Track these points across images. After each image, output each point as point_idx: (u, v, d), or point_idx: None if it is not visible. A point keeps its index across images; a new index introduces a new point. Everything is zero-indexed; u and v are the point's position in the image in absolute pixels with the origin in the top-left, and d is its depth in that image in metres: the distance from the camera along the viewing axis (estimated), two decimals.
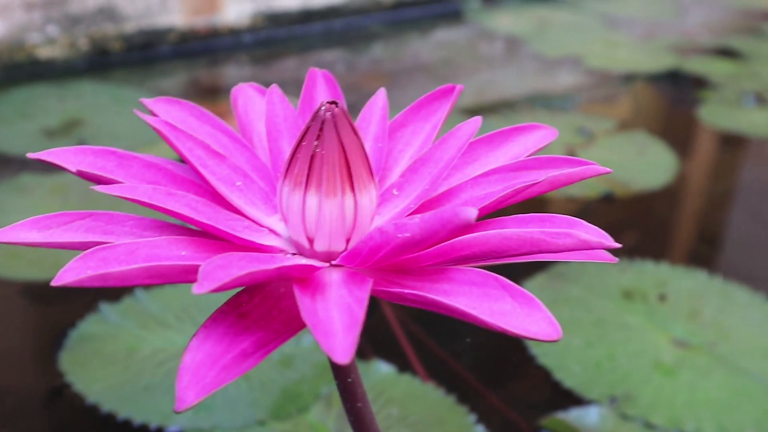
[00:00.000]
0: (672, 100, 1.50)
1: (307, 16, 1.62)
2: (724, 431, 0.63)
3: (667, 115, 1.43)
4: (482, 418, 0.62)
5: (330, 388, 0.63)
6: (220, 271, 0.23)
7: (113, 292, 0.73)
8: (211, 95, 1.33)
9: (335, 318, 0.24)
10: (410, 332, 0.71)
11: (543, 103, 1.35)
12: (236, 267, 0.23)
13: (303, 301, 0.24)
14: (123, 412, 0.61)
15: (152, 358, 0.66)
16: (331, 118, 0.27)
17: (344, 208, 0.27)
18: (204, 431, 0.59)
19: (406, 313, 0.73)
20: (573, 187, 0.97)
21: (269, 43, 1.56)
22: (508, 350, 0.71)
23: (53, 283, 0.23)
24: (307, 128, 0.27)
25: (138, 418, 0.60)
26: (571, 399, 0.65)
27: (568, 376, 0.67)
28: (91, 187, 0.27)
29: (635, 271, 0.82)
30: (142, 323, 0.69)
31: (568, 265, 0.81)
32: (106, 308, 0.70)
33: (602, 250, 0.30)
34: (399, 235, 0.25)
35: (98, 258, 0.24)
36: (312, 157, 0.27)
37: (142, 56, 1.42)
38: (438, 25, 1.79)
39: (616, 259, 0.30)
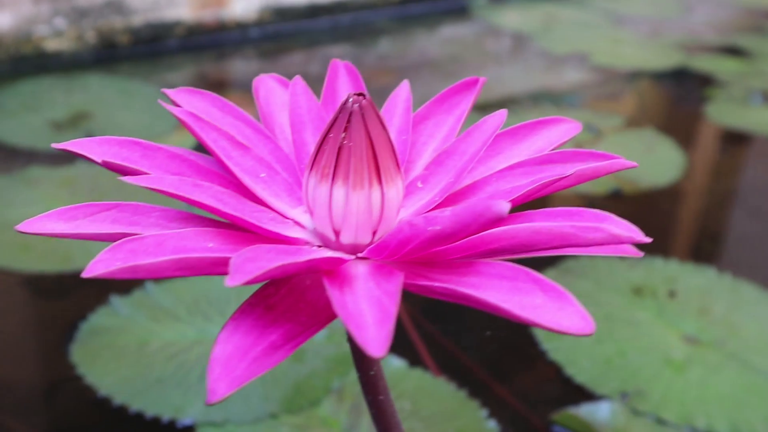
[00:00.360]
0: (679, 98, 1.50)
1: (314, 10, 1.62)
2: (735, 427, 0.63)
3: (674, 113, 1.43)
4: (494, 413, 0.62)
5: (342, 382, 0.63)
6: (250, 264, 0.23)
7: (124, 285, 0.73)
8: (218, 89, 1.33)
9: (365, 311, 0.23)
10: (421, 327, 0.71)
11: (550, 99, 1.35)
12: (265, 259, 0.23)
13: (333, 294, 0.24)
14: (135, 404, 0.61)
15: (163, 351, 0.66)
16: (359, 110, 0.27)
17: (371, 200, 0.27)
18: (216, 424, 0.59)
19: (416, 307, 0.73)
20: (583, 184, 0.97)
21: (276, 38, 1.55)
22: (519, 345, 0.71)
23: (84, 275, 0.23)
24: (334, 120, 0.27)
25: (150, 411, 0.60)
26: (582, 394, 0.65)
27: (579, 371, 0.67)
28: (119, 178, 0.27)
29: (644, 268, 0.82)
30: (153, 316, 0.69)
31: (578, 260, 0.81)
32: (116, 301, 0.70)
33: (627, 245, 0.30)
34: (429, 228, 0.25)
35: (127, 250, 0.24)
36: (339, 149, 0.27)
37: (149, 50, 1.41)
38: (445, 21, 1.79)
39: (641, 254, 0.30)
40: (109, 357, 0.65)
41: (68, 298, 0.77)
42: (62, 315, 0.74)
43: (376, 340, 0.22)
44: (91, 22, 1.35)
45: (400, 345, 0.68)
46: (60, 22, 1.33)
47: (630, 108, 1.40)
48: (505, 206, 0.23)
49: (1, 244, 0.80)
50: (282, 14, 1.57)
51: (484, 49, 1.67)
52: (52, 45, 1.32)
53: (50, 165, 0.96)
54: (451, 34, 1.74)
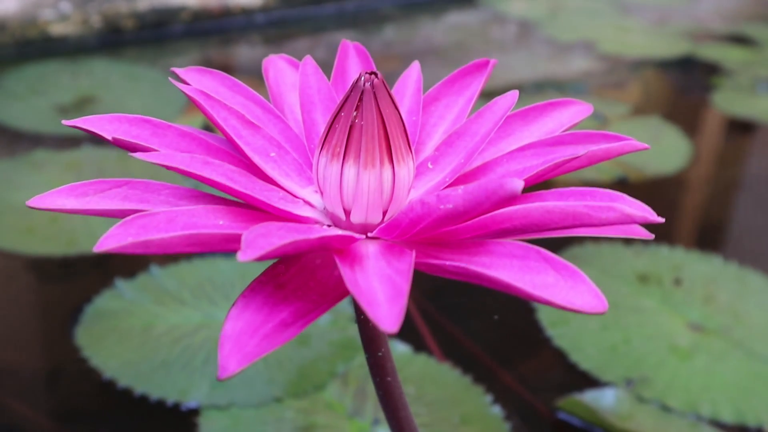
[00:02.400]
0: (685, 87, 1.49)
1: None
2: (741, 415, 0.63)
3: (680, 101, 1.42)
4: (499, 398, 0.62)
5: (346, 366, 0.63)
6: (261, 240, 0.23)
7: (129, 268, 0.73)
8: None
9: (377, 288, 0.23)
10: (425, 312, 0.71)
11: (555, 87, 1.34)
12: (277, 236, 0.23)
13: (344, 271, 0.24)
14: (140, 387, 0.61)
15: (168, 334, 0.66)
16: (371, 88, 0.27)
17: (382, 179, 0.27)
18: (221, 408, 0.59)
19: (421, 292, 0.73)
20: (587, 171, 0.97)
21: (281, 24, 1.55)
22: (524, 331, 0.71)
23: (96, 249, 0.22)
24: (346, 98, 0.27)
25: (154, 394, 0.60)
26: (587, 381, 0.65)
27: (584, 358, 0.67)
28: (130, 154, 0.27)
29: (650, 255, 0.82)
30: (157, 300, 0.69)
31: (583, 247, 0.81)
32: (121, 284, 0.70)
33: (638, 227, 0.30)
34: (441, 207, 0.24)
35: (138, 225, 0.24)
36: (351, 128, 0.27)
37: (154, 35, 1.41)
38: (450, 9, 1.78)
39: (652, 235, 0.30)
40: (114, 340, 0.65)
41: (73, 281, 0.77)
42: (67, 298, 0.74)
43: (388, 316, 0.22)
44: (96, 7, 1.35)
45: (404, 330, 0.68)
46: (65, 6, 1.32)
47: (636, 96, 1.40)
48: (518, 184, 0.23)
49: (5, 227, 0.80)
50: (287, 0, 1.57)
51: (490, 37, 1.66)
52: (58, 29, 1.32)
53: (55, 148, 0.96)
54: (456, 21, 1.74)
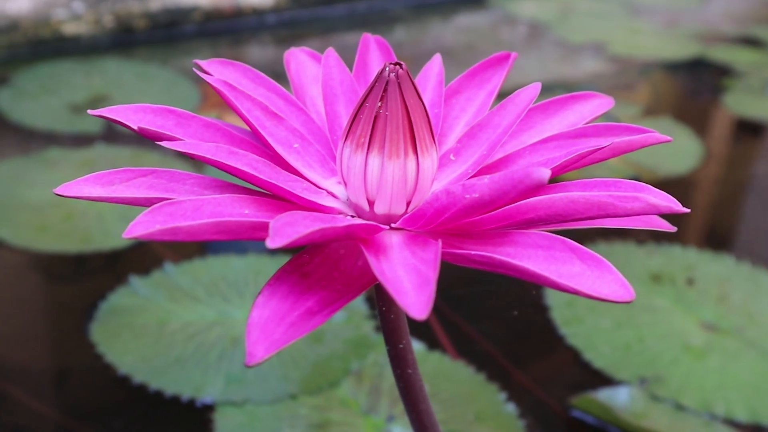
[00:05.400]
0: (696, 88, 1.49)
1: None
2: (755, 414, 0.62)
3: (691, 103, 1.42)
4: (513, 396, 0.62)
5: (361, 363, 0.63)
6: (289, 228, 0.23)
7: (142, 265, 0.73)
8: None
9: (402, 277, 0.23)
10: (439, 310, 0.71)
11: (565, 88, 1.34)
12: (303, 225, 0.23)
13: (371, 261, 0.24)
14: (155, 383, 0.61)
15: (183, 331, 0.66)
16: (396, 79, 0.27)
17: (406, 170, 0.27)
18: (236, 404, 0.59)
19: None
20: (599, 170, 0.97)
21: (293, 24, 1.55)
22: (537, 330, 0.71)
23: (125, 236, 0.23)
24: (371, 89, 0.27)
25: (169, 390, 0.60)
26: (600, 379, 0.65)
27: (598, 356, 0.67)
28: (158, 142, 0.27)
29: (663, 255, 0.82)
30: (171, 296, 0.69)
31: (596, 246, 0.81)
32: (135, 281, 0.70)
33: (661, 219, 0.30)
34: (467, 196, 0.25)
35: (165, 213, 0.24)
36: (375, 118, 0.27)
37: (166, 34, 1.41)
38: (460, 10, 1.78)
39: (674, 228, 0.30)
40: (128, 336, 0.66)
41: (87, 278, 0.77)
42: (81, 295, 0.74)
43: (416, 303, 0.22)
44: (109, 6, 1.35)
45: (418, 328, 0.68)
46: (78, 6, 1.33)
47: (646, 98, 1.40)
48: (545, 172, 0.23)
49: (20, 224, 0.81)
50: (298, 1, 1.57)
51: (500, 38, 1.66)
52: (71, 29, 1.32)
53: (69, 147, 0.96)
54: (466, 22, 1.74)
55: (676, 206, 0.25)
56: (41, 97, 1.12)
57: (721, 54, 1.53)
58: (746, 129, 1.29)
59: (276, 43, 1.50)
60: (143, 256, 0.77)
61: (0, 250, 0.78)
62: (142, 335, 0.66)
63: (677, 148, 1.11)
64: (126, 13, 1.37)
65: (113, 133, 1.00)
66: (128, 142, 0.97)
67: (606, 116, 1.15)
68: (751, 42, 1.64)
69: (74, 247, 0.78)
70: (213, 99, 1.12)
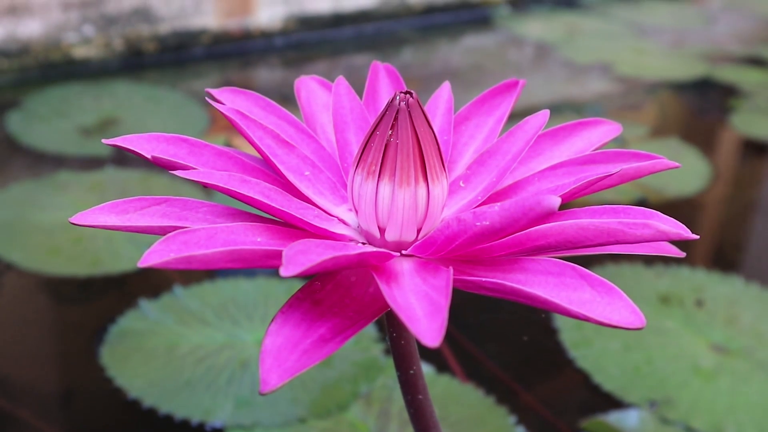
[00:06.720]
0: (703, 108, 1.49)
1: (338, 19, 1.62)
2: None
3: (698, 123, 1.42)
4: (522, 419, 0.62)
5: (370, 387, 0.63)
6: (301, 256, 0.23)
7: (151, 289, 0.73)
8: None
9: (414, 304, 0.24)
10: (447, 333, 0.71)
11: (572, 109, 1.35)
12: (316, 253, 0.24)
13: (383, 288, 0.24)
14: (164, 407, 0.61)
15: (192, 354, 0.66)
16: (406, 107, 0.27)
17: (417, 197, 0.27)
18: (245, 428, 0.59)
19: None
20: (608, 192, 0.97)
21: (301, 46, 1.56)
22: (547, 352, 0.71)
23: (140, 264, 0.23)
24: (381, 117, 0.27)
25: (179, 413, 0.61)
26: (610, 402, 0.65)
27: (607, 379, 0.67)
28: (172, 171, 0.27)
29: (671, 277, 0.82)
30: (181, 320, 0.70)
31: (604, 268, 0.81)
32: (145, 305, 0.71)
33: (670, 244, 0.30)
34: (477, 223, 0.25)
35: (180, 242, 0.24)
36: (386, 146, 0.27)
37: (175, 57, 1.42)
38: (467, 31, 1.79)
39: (683, 254, 0.30)
40: (138, 360, 0.66)
41: (97, 301, 0.77)
42: (91, 318, 0.74)
43: (428, 330, 0.22)
44: (118, 30, 1.37)
45: (426, 351, 0.68)
46: (88, 30, 1.34)
47: (653, 118, 1.40)
48: (555, 200, 0.23)
49: (31, 247, 0.81)
50: (307, 23, 1.58)
51: (507, 59, 1.67)
52: (81, 52, 1.34)
53: (79, 170, 0.97)
54: (473, 43, 1.75)
55: (686, 233, 0.25)
56: (52, 120, 1.13)
57: (728, 74, 1.54)
58: (753, 149, 1.29)
59: (284, 66, 1.51)
60: (152, 280, 0.77)
61: (11, 273, 0.78)
62: (151, 358, 0.66)
63: (685, 168, 1.11)
64: (135, 36, 1.38)
65: (123, 157, 1.01)
66: (138, 166, 0.98)
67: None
68: (757, 62, 1.64)
69: (84, 270, 0.78)
70: (222, 122, 1.13)
